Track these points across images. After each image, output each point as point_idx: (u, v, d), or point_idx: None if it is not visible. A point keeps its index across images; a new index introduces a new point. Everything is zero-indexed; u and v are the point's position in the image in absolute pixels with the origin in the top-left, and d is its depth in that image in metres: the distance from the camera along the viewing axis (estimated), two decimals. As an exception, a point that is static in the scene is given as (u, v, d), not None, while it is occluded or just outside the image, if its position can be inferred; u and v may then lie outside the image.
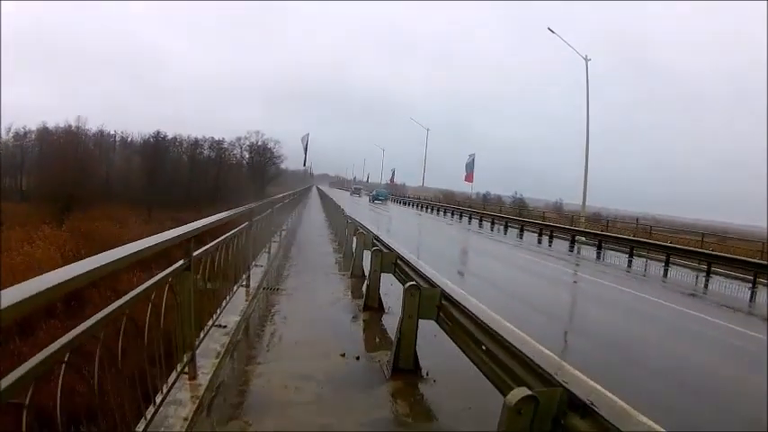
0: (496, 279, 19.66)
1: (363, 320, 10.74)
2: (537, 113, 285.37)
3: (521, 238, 41.27)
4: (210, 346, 7.33)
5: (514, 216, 55.34)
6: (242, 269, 10.69)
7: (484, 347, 5.70)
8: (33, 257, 42.38)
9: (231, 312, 8.99)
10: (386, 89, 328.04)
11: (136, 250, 3.96)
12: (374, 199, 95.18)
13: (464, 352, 6.34)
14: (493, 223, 51.50)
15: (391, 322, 10.04)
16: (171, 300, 5.25)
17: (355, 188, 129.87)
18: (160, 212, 77.11)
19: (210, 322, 7.67)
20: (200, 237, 6.25)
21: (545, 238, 40.84)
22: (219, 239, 8.05)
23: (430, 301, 7.59)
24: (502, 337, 5.31)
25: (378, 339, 9.65)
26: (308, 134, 53.85)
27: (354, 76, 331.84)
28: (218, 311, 8.29)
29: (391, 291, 11.75)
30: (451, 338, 6.87)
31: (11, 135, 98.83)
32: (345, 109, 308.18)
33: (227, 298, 8.99)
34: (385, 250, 11.91)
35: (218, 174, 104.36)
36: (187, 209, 68.01)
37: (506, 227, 48.33)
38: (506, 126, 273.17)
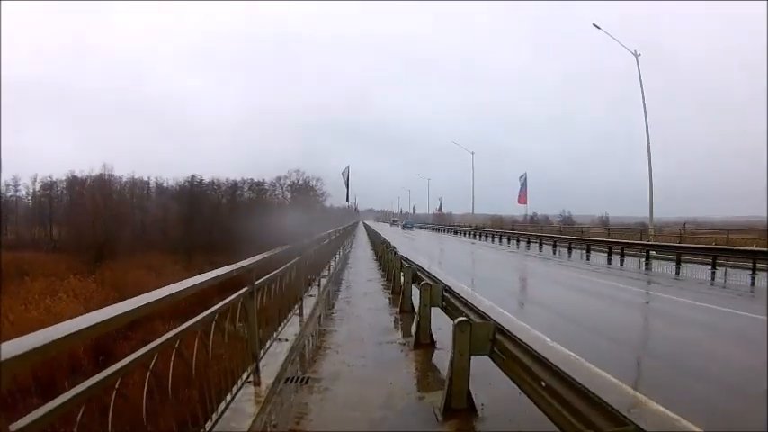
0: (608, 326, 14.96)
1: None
2: (569, 126, 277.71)
3: (588, 259, 37.64)
4: None
5: (577, 237, 51.10)
6: (245, 360, 6.98)
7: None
8: (53, 312, 38.50)
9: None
10: (422, 118, 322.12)
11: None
12: (404, 226, 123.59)
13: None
14: (555, 246, 47.83)
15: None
16: None
17: (393, 220, 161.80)
18: (201, 257, 73.00)
19: None
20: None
21: (613, 257, 37.11)
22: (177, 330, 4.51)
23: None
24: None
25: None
26: (348, 167, 50.25)
27: (390, 107, 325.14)
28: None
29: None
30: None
31: (38, 184, 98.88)
32: (384, 142, 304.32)
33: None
34: (475, 320, 7.34)
35: (261, 215, 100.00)
36: (227, 252, 64.23)
37: (570, 249, 44.59)
38: (542, 143, 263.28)
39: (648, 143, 46.67)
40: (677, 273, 27.90)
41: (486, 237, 71.63)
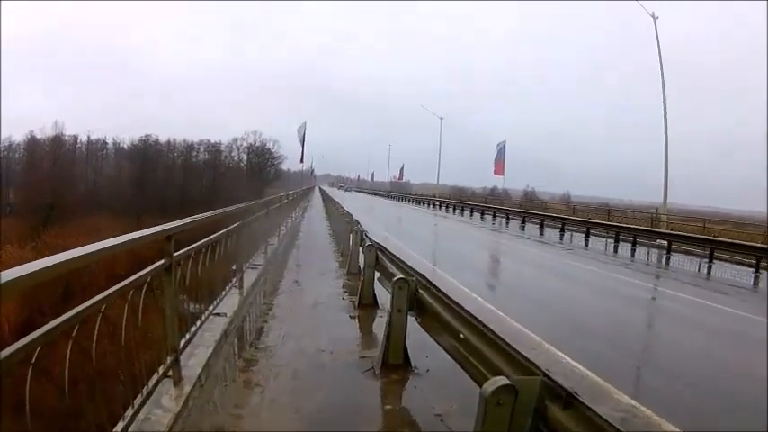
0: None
1: None
2: (539, 99, 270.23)
3: (586, 245, 30.38)
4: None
5: (569, 216, 43.05)
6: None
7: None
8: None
9: None
10: (388, 84, 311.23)
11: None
12: (346, 190, 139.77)
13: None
14: (542, 225, 40.01)
15: None
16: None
17: (340, 185, 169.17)
18: (151, 220, 66.25)
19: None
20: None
21: (616, 245, 29.94)
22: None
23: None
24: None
25: None
26: (305, 123, 43.70)
27: (354, 71, 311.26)
28: None
29: None
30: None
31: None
32: (347, 107, 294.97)
33: None
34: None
35: (214, 177, 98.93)
36: (179, 215, 57.69)
37: (563, 229, 37.02)
38: (509, 116, 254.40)
39: (665, 117, 39.38)
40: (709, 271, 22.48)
41: (453, 209, 62.99)
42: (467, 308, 5.38)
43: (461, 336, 5.04)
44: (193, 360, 5.64)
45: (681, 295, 15.98)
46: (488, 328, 4.65)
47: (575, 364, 3.80)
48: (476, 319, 4.94)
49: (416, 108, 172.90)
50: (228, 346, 7.07)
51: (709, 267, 23.17)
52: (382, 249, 10.21)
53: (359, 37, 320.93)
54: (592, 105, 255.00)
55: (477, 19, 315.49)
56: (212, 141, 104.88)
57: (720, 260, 24.57)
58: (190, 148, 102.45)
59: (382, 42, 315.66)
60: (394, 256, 9.44)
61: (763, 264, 22.69)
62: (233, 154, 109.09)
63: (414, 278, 6.96)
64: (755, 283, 20.43)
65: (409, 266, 8.19)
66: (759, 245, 25.12)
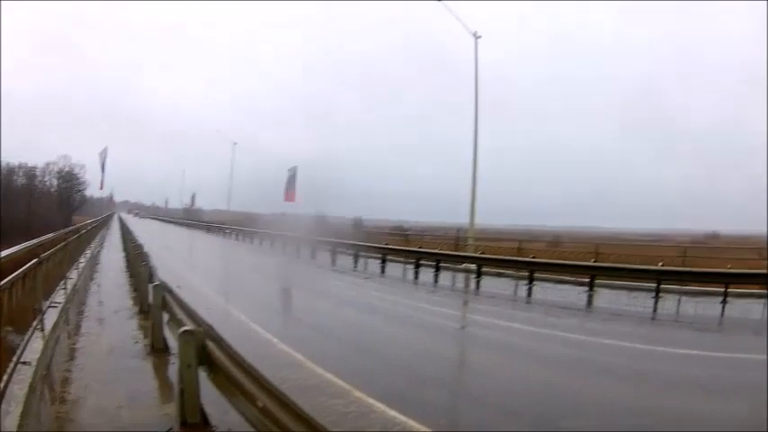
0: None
1: None
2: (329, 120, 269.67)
3: (383, 272, 29.02)
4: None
5: (362, 243, 39.00)
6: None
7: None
8: None
9: None
10: (186, 110, 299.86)
11: None
12: (139, 217, 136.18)
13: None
14: (333, 252, 37.62)
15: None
16: None
17: (135, 213, 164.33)
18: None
19: None
20: None
21: (417, 270, 28.95)
22: None
23: None
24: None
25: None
26: (107, 148, 41.12)
27: (153, 97, 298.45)
28: None
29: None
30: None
31: None
32: (148, 132, 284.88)
33: None
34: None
35: (29, 203, 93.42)
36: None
37: (356, 256, 35.04)
38: (307, 143, 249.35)
39: (476, 137, 37.93)
40: (529, 294, 21.96)
41: (242, 236, 60.52)
42: (261, 371, 4.52)
43: (259, 404, 4.34)
44: (9, 420, 5.08)
45: (495, 321, 15.47)
46: (289, 399, 3.82)
47: (392, 413, 4.01)
48: (272, 386, 4.13)
49: (212, 135, 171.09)
50: (38, 400, 6.44)
51: (530, 290, 22.53)
52: (170, 291, 9.27)
53: (159, 64, 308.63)
54: (387, 131, 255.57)
55: (276, 45, 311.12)
56: (30, 165, 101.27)
57: (542, 281, 23.66)
58: (11, 172, 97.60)
59: (182, 69, 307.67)
60: (181, 300, 8.53)
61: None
62: (45, 179, 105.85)
63: (201, 329, 6.14)
64: (589, 303, 19.96)
65: (196, 314, 7.43)
66: (591, 263, 23.98)
